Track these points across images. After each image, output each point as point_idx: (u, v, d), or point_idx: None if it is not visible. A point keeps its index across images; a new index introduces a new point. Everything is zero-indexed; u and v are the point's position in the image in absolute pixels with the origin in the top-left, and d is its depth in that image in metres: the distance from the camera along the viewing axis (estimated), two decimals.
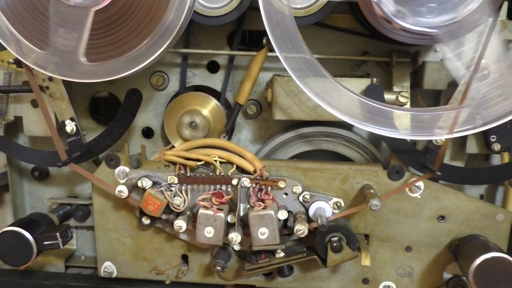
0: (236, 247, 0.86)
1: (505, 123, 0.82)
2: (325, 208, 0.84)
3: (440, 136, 0.72)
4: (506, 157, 0.85)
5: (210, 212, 0.80)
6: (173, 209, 0.84)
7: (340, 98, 0.76)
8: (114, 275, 0.95)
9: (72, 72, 0.74)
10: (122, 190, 0.82)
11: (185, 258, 0.94)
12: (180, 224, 0.81)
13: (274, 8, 0.71)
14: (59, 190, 1.07)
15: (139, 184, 0.84)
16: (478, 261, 0.75)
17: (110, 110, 1.08)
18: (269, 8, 0.71)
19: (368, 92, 0.81)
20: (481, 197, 0.97)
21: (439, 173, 0.79)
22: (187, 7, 0.70)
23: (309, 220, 0.84)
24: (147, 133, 1.02)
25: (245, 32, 0.96)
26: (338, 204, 0.85)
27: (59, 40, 0.72)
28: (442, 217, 0.85)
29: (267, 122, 0.98)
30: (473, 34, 0.71)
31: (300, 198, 0.85)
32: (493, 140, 0.83)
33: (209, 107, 0.93)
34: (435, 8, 0.68)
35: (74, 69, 0.74)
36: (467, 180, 0.84)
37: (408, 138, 0.80)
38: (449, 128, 0.71)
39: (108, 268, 0.95)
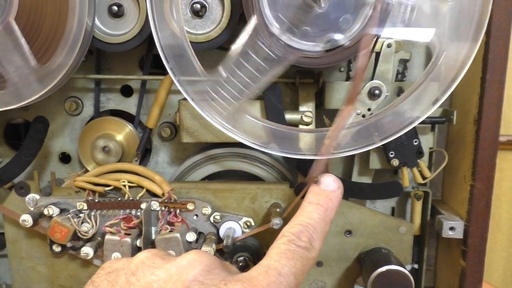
0: None
1: (401, 139, 0.86)
2: (235, 228, 0.86)
3: (322, 157, 0.74)
4: (405, 172, 0.88)
5: (116, 237, 0.80)
6: (81, 236, 0.84)
7: (244, 121, 0.79)
8: None
9: None
10: (25, 220, 0.81)
11: None
12: (87, 251, 0.81)
13: (169, 31, 0.72)
14: None
15: (45, 212, 0.83)
16: (375, 274, 0.78)
17: None
18: (162, 32, 0.72)
19: (268, 91, 0.83)
20: (393, 209, 1.01)
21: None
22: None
23: (220, 240, 0.85)
24: (65, 158, 1.01)
25: (156, 56, 0.96)
26: (248, 223, 0.86)
27: None
28: (349, 232, 0.88)
29: (183, 144, 0.99)
30: None
31: (211, 219, 0.86)
32: (391, 156, 0.86)
33: (122, 132, 0.94)
34: (316, 33, 0.71)
35: None
36: (353, 195, 0.88)
37: (308, 158, 0.82)
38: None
39: None
